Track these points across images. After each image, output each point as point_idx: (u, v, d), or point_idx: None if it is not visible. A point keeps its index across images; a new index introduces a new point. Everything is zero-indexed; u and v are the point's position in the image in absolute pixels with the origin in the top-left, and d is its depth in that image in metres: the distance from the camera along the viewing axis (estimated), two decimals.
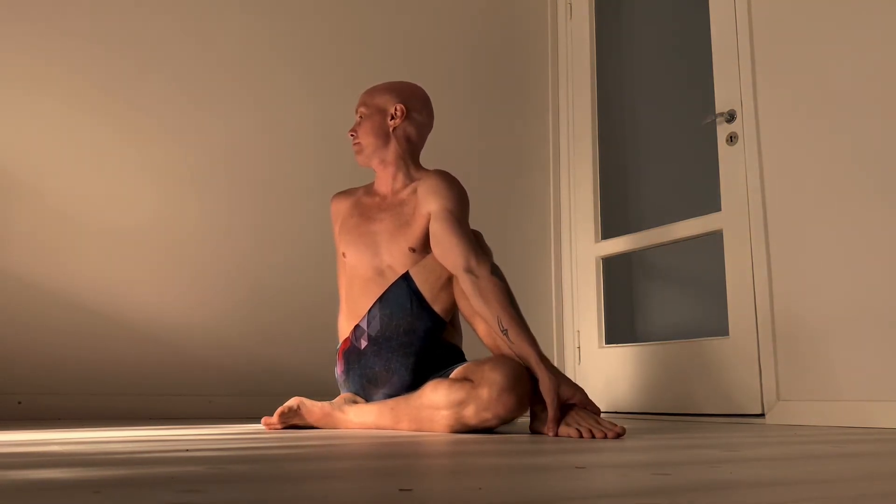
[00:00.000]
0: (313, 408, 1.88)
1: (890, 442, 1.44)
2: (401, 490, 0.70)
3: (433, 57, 3.07)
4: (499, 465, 0.94)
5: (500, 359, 1.71)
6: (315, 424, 1.88)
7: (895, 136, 2.01)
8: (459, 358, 1.97)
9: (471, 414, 1.66)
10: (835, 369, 2.09)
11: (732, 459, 1.04)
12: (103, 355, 2.38)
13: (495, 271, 1.82)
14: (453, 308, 1.92)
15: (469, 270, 1.81)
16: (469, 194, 2.98)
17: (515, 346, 1.73)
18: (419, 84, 2.81)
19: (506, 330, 1.74)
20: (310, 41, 2.86)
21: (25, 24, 2.44)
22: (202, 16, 2.70)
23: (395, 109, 2.02)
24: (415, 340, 1.88)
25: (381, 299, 1.91)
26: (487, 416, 1.65)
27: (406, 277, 1.90)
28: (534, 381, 1.70)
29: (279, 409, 1.85)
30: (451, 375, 1.76)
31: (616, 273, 3.36)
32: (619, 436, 1.54)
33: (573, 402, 1.66)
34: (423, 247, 1.93)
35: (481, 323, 1.84)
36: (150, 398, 2.41)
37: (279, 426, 1.84)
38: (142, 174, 2.53)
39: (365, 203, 2.05)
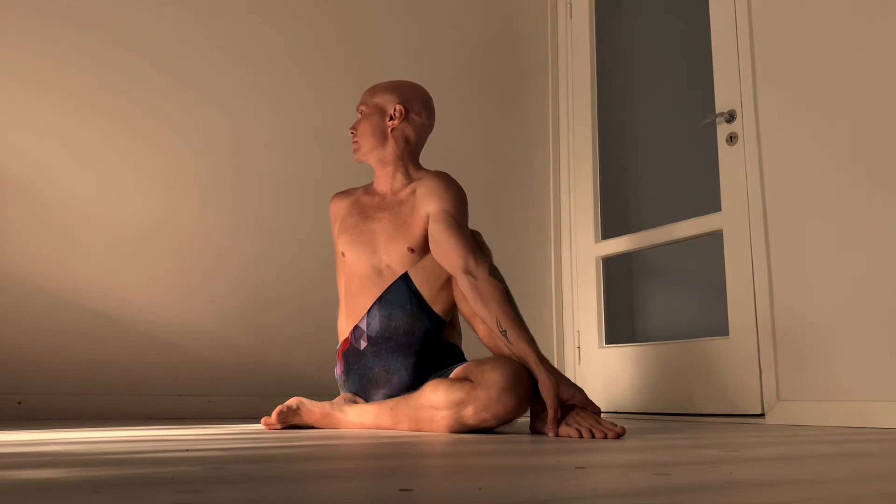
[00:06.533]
0: (313, 408, 1.88)
1: (890, 442, 1.44)
2: (401, 490, 0.70)
3: (433, 56, 3.07)
4: (499, 465, 0.94)
5: (499, 359, 1.71)
6: (315, 424, 1.88)
7: (895, 135, 2.01)
8: (459, 358, 1.97)
9: (470, 414, 1.66)
10: (835, 369, 2.09)
11: (732, 459, 1.04)
12: (103, 355, 2.38)
13: (494, 272, 1.82)
14: (453, 308, 1.92)
15: (467, 272, 1.81)
16: (469, 194, 2.98)
17: (514, 346, 1.73)
18: (419, 83, 2.81)
19: (505, 331, 1.74)
20: (313, 42, 2.86)
21: (27, 21, 2.44)
22: (206, 15, 2.69)
23: (395, 110, 2.01)
24: (414, 341, 1.88)
25: (380, 300, 1.91)
26: (486, 416, 1.65)
27: (405, 278, 1.90)
28: (534, 381, 1.70)
29: (278, 408, 1.84)
30: (451, 375, 1.76)
31: (616, 273, 3.37)
32: (619, 436, 1.54)
33: (573, 402, 1.66)
34: (422, 248, 1.93)
35: (481, 324, 1.84)
36: (150, 398, 2.41)
37: (278, 426, 1.84)
38: (144, 174, 2.53)
39: (364, 202, 2.05)
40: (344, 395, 1.95)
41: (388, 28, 3.01)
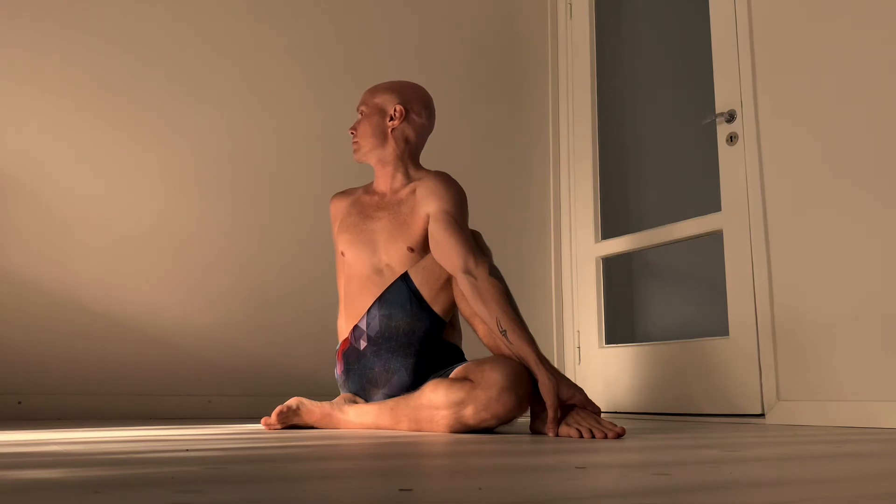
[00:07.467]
0: (313, 408, 1.88)
1: (890, 442, 1.44)
2: (401, 490, 0.70)
3: (433, 56, 3.07)
4: (499, 465, 0.94)
5: (499, 359, 1.71)
6: (315, 424, 1.88)
7: (895, 135, 2.01)
8: (459, 358, 1.97)
9: (470, 414, 1.66)
10: (835, 369, 2.09)
11: (732, 459, 1.04)
12: (103, 355, 2.38)
13: (494, 272, 1.82)
14: (453, 308, 1.92)
15: (467, 272, 1.81)
16: (469, 194, 2.97)
17: (514, 346, 1.73)
18: (419, 83, 2.81)
19: (504, 331, 1.74)
20: (313, 42, 2.86)
21: (27, 22, 2.44)
22: (206, 15, 2.69)
23: (395, 110, 2.02)
24: (414, 341, 1.88)
25: (379, 300, 1.91)
26: (486, 416, 1.65)
27: (405, 278, 1.90)
28: (534, 381, 1.70)
29: (277, 408, 1.84)
30: (451, 375, 1.76)
31: (616, 273, 3.36)
32: (619, 436, 1.54)
33: (573, 402, 1.66)
34: (422, 247, 1.93)
35: (481, 324, 1.84)
36: (150, 398, 2.41)
37: (278, 426, 1.84)
38: (144, 174, 2.53)
39: (364, 202, 2.05)
40: (344, 395, 1.95)
41: (388, 28, 3.01)
